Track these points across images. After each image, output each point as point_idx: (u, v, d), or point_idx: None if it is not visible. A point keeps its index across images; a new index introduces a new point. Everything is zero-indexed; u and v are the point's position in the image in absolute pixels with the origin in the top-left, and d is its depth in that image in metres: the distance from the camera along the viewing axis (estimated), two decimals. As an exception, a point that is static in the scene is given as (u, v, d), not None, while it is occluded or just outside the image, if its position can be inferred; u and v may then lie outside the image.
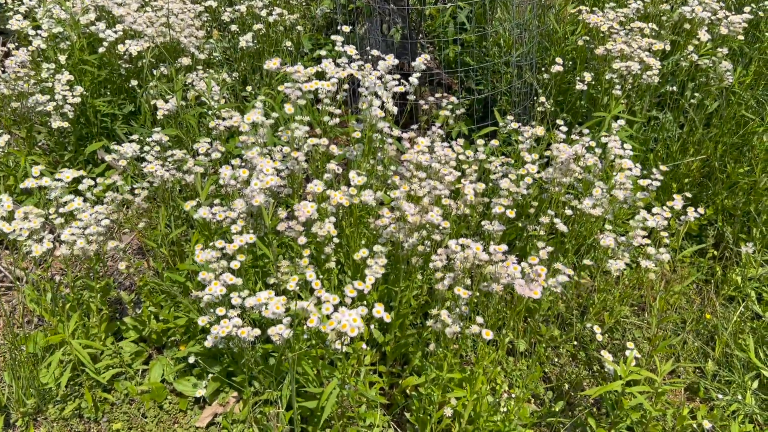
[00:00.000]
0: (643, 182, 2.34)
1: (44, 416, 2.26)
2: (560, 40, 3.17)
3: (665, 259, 2.09)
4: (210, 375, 2.27)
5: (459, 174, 2.11)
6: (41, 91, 2.95)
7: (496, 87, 3.37)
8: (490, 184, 2.41)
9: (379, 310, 1.75)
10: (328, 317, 1.67)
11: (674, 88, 3.02)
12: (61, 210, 2.22)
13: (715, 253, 2.79)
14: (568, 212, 2.25)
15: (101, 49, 3.06)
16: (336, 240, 2.06)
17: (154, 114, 2.79)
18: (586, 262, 2.22)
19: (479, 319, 1.78)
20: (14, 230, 2.12)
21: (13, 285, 2.75)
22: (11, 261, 2.72)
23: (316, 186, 1.98)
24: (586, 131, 2.39)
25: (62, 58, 3.06)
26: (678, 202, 2.24)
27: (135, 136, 2.54)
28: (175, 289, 2.29)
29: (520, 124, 2.61)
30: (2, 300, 2.68)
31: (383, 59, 2.11)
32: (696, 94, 2.95)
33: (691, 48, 2.91)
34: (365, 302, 2.04)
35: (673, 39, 3.05)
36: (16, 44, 3.22)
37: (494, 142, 2.50)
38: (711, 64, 2.91)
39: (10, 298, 2.73)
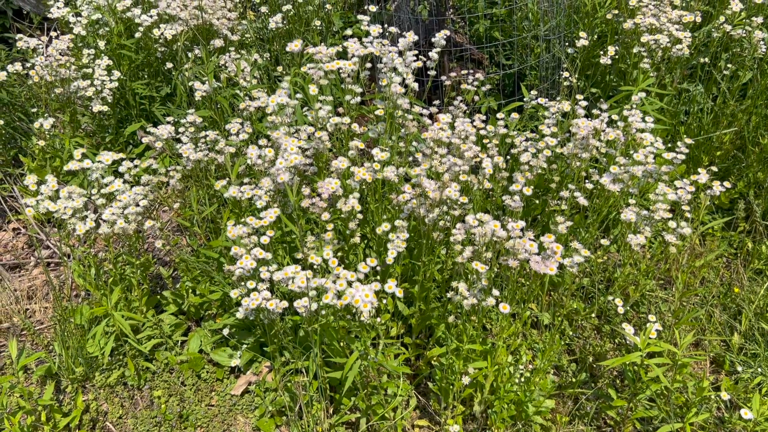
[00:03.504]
0: (668, 156, 2.33)
1: (91, 383, 2.41)
2: (589, 13, 3.14)
3: (686, 233, 2.09)
4: (244, 346, 2.39)
5: (479, 149, 2.15)
6: (82, 77, 3.07)
7: (525, 61, 3.36)
8: (514, 160, 2.43)
9: (391, 286, 1.81)
10: (342, 293, 1.75)
11: (706, 59, 2.96)
12: (102, 191, 2.34)
13: (746, 226, 2.76)
14: (589, 186, 2.27)
15: (138, 34, 3.17)
16: (360, 216, 2.13)
17: (189, 95, 2.89)
18: (604, 242, 2.23)
19: (495, 292, 1.83)
20: (59, 209, 2.25)
21: (61, 261, 2.91)
22: (58, 238, 2.87)
23: (340, 163, 2.04)
24: (605, 106, 2.38)
25: (101, 44, 3.18)
26: (703, 175, 2.23)
27: (170, 118, 2.64)
28: (210, 264, 2.40)
29: (548, 98, 2.62)
30: (52, 275, 2.85)
31: (404, 36, 2.15)
32: (729, 65, 2.89)
33: (723, 18, 2.85)
34: (387, 276, 2.11)
35: (704, 9, 2.99)
36: (58, 32, 3.35)
37: (514, 116, 2.52)
38: (745, 34, 2.85)
39: (59, 274, 2.89)
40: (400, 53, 2.12)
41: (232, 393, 2.35)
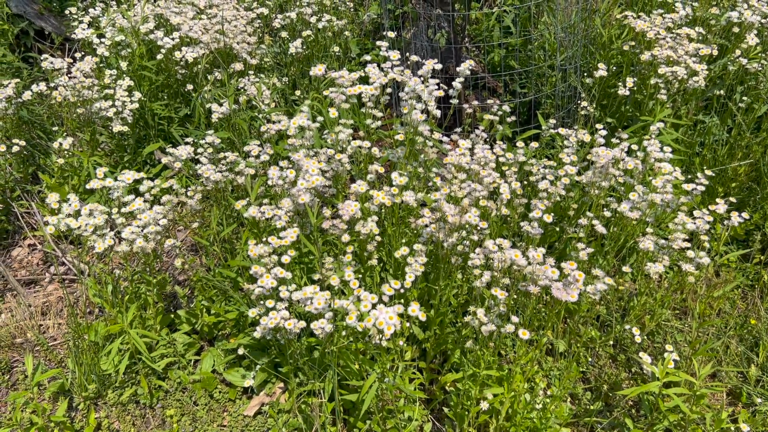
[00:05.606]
0: (687, 187, 2.34)
1: (104, 401, 2.41)
2: (606, 44, 3.18)
3: (705, 263, 2.09)
4: (258, 366, 2.38)
5: (498, 175, 2.17)
6: (104, 97, 3.12)
7: (540, 90, 3.39)
8: (531, 186, 2.45)
9: (414, 309, 1.81)
10: (365, 315, 1.75)
11: (722, 91, 2.99)
12: (122, 210, 2.37)
13: (762, 258, 2.75)
14: (607, 214, 2.28)
15: (159, 56, 3.23)
16: (378, 238, 2.14)
17: (208, 117, 2.92)
18: (625, 269, 2.23)
19: (514, 318, 1.83)
20: (80, 226, 2.27)
21: (77, 278, 2.93)
22: (76, 255, 2.89)
23: (359, 186, 2.06)
24: (624, 136, 2.40)
25: (123, 65, 3.24)
26: (721, 206, 2.23)
27: (189, 139, 2.67)
28: (226, 283, 2.41)
29: (564, 127, 2.64)
30: (67, 291, 2.86)
31: (424, 64, 2.18)
32: (744, 98, 2.92)
33: (738, 52, 2.88)
34: (405, 300, 2.11)
35: (720, 43, 3.03)
36: (82, 53, 3.41)
37: (533, 144, 2.54)
38: (760, 68, 2.88)
39: (74, 290, 2.91)
40: (423, 81, 2.15)
41: (245, 414, 2.34)
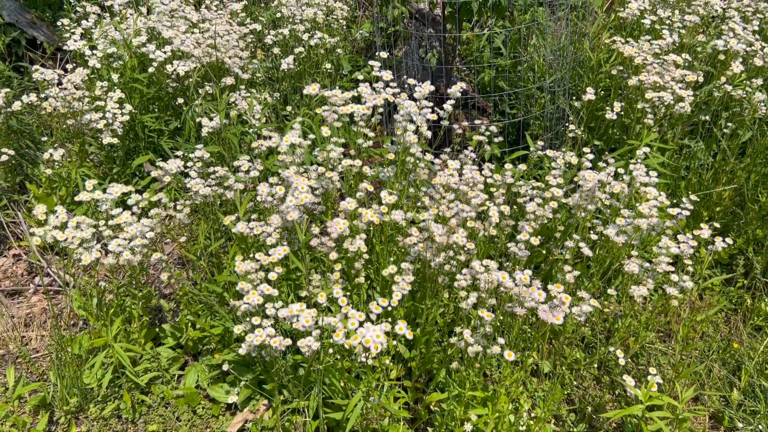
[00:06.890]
0: (672, 211, 2.37)
1: (85, 415, 2.38)
2: (594, 68, 3.22)
3: (689, 286, 2.11)
4: (242, 382, 2.37)
5: (486, 197, 2.18)
6: (94, 109, 3.12)
7: (529, 111, 3.43)
8: (518, 207, 2.47)
9: (401, 327, 1.82)
10: (351, 333, 1.75)
11: (707, 117, 3.04)
12: (110, 222, 2.36)
13: (745, 282, 2.79)
14: (593, 237, 2.30)
15: (151, 69, 3.23)
16: (366, 256, 2.15)
17: (198, 131, 2.93)
18: (611, 291, 2.25)
19: (501, 340, 1.84)
20: (67, 238, 2.26)
21: (61, 289, 2.90)
22: (61, 266, 2.87)
23: (349, 204, 2.07)
24: (611, 160, 2.43)
25: (115, 77, 3.24)
26: (705, 231, 2.26)
27: (179, 152, 2.67)
28: (213, 298, 2.40)
29: (552, 148, 2.67)
30: (51, 303, 2.83)
31: (420, 86, 2.20)
32: (729, 124, 2.97)
33: (724, 79, 2.93)
34: (392, 318, 2.12)
35: (706, 69, 3.08)
36: (73, 64, 3.41)
37: (522, 167, 2.56)
38: (745, 95, 2.93)
39: (59, 302, 2.88)
40: (414, 99, 2.17)
41: (228, 430, 2.33)
